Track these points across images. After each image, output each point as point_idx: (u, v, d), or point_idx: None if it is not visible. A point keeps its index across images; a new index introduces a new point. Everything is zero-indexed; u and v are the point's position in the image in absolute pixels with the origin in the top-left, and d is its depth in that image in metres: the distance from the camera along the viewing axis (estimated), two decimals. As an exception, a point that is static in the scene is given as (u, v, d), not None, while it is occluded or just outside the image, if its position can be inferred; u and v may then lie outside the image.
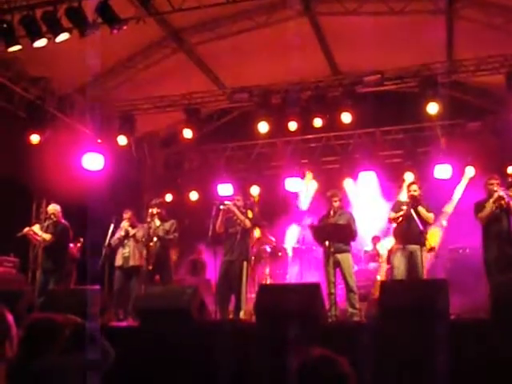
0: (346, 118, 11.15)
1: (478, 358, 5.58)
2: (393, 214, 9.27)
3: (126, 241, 10.31)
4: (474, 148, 12.77)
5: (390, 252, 9.65)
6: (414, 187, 9.32)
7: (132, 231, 10.32)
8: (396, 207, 9.36)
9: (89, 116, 12.27)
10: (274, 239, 12.86)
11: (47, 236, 9.98)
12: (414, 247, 8.98)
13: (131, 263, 10.26)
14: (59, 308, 4.87)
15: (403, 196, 10.01)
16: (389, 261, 10.47)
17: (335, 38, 11.53)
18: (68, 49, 9.67)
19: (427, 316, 6.20)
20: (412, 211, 8.91)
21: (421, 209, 9.02)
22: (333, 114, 11.48)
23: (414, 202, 9.03)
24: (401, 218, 9.09)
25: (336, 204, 9.49)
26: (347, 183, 13.77)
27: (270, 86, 11.98)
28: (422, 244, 8.97)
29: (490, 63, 10.71)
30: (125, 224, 10.33)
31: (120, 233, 10.29)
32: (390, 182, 13.55)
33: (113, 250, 10.34)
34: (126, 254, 10.27)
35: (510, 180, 8.63)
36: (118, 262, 10.30)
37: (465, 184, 12.71)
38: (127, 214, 10.45)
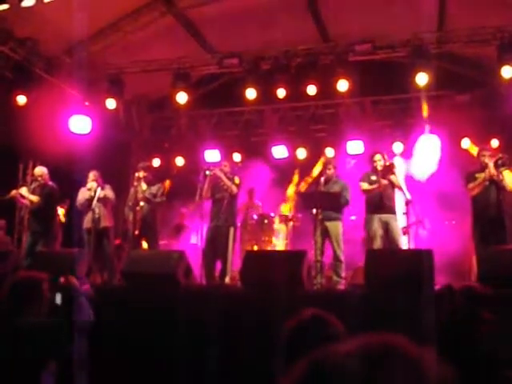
0: (342, 85, 11.03)
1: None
2: (366, 186, 9.34)
3: (94, 202, 10.28)
4: (462, 119, 12.76)
5: (365, 221, 9.70)
6: (378, 156, 9.40)
7: (101, 192, 10.28)
8: (365, 178, 9.44)
9: (76, 78, 12.15)
10: (260, 204, 12.90)
11: (35, 198, 9.93)
12: (389, 216, 9.11)
13: (102, 224, 10.26)
14: (46, 269, 4.86)
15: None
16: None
17: (326, 4, 11.42)
18: (56, 9, 9.54)
19: (413, 285, 6.26)
20: (398, 180, 9.01)
21: (392, 177, 9.12)
22: (323, 81, 11.41)
23: (387, 171, 9.12)
24: (375, 186, 9.20)
25: (330, 172, 9.52)
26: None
27: (259, 52, 11.88)
28: (395, 213, 9.12)
29: (482, 34, 10.64)
30: (93, 185, 10.27)
31: (89, 194, 10.24)
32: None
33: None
34: (96, 216, 10.24)
35: (499, 162, 8.61)
36: (88, 223, 10.27)
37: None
38: (94, 176, 10.38)
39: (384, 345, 1.16)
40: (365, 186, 9.36)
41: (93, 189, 10.21)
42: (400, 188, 9.16)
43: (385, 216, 9.15)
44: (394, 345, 1.16)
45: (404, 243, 9.58)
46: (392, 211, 9.18)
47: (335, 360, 1.14)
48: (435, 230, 11.34)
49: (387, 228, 9.12)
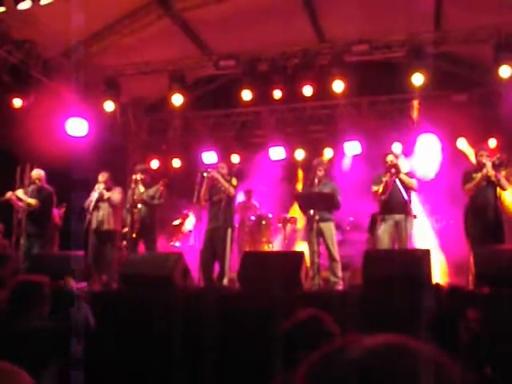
0: (338, 86, 11.04)
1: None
2: (375, 188, 9.29)
3: (100, 204, 10.23)
4: (460, 119, 12.76)
5: (373, 222, 9.68)
6: (390, 157, 9.36)
7: (107, 194, 10.24)
8: (377, 180, 9.38)
9: (73, 81, 12.13)
10: (258, 205, 12.90)
11: (32, 201, 9.90)
12: (399, 217, 9.03)
13: (105, 227, 10.21)
14: (44, 272, 4.86)
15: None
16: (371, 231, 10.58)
17: (322, 5, 11.40)
18: (53, 12, 9.53)
19: (411, 285, 6.26)
20: (397, 180, 8.96)
21: (402, 176, 9.07)
22: (320, 82, 11.41)
23: (394, 170, 9.07)
24: (381, 189, 9.12)
25: (320, 173, 9.49)
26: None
27: (256, 54, 11.88)
28: (407, 213, 9.03)
29: (478, 34, 10.64)
30: (100, 186, 10.24)
31: (94, 195, 10.21)
32: (376, 152, 13.52)
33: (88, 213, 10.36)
34: (100, 218, 10.19)
35: (496, 162, 8.60)
36: (93, 225, 10.24)
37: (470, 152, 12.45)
38: (103, 177, 10.35)
39: (405, 344, 1.16)
40: (374, 188, 9.31)
41: (98, 191, 10.19)
42: (410, 187, 9.11)
43: (396, 216, 9.06)
44: (414, 346, 1.16)
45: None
46: (404, 211, 9.06)
47: (356, 353, 1.14)
48: (439, 229, 11.39)
49: (398, 228, 9.04)
